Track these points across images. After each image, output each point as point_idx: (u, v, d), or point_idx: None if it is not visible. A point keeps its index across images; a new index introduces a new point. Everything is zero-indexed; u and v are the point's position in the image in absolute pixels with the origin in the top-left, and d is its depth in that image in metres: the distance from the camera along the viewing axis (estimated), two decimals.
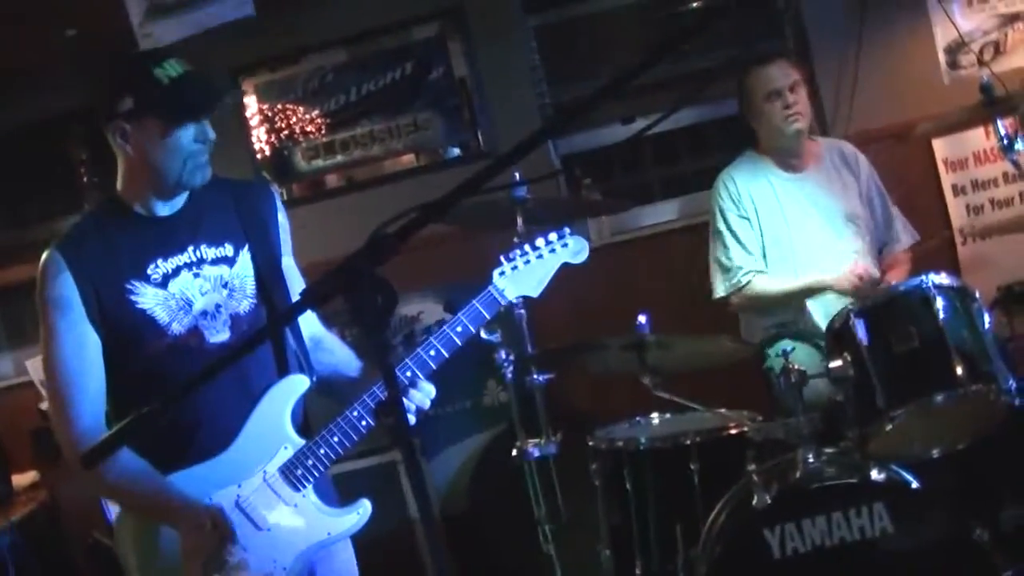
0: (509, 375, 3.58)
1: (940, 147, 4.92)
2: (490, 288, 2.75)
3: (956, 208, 4.93)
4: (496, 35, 5.18)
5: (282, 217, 2.80)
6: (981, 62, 4.85)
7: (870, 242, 3.98)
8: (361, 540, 2.75)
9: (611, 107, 4.90)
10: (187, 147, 2.54)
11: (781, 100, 3.88)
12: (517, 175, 3.44)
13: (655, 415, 3.75)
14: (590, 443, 3.65)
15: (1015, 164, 3.74)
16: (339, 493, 2.76)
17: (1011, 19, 4.90)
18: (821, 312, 3.79)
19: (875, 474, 3.04)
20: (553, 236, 2.87)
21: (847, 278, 3.69)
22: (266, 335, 2.58)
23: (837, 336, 3.15)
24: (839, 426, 3.20)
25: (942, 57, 4.95)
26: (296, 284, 2.77)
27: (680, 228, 5.05)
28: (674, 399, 3.43)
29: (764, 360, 3.57)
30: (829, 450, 3.19)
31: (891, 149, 4.62)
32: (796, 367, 3.08)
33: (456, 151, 5.31)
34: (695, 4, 5.23)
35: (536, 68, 5.25)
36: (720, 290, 3.97)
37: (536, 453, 3.64)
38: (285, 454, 2.61)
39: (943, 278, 3.11)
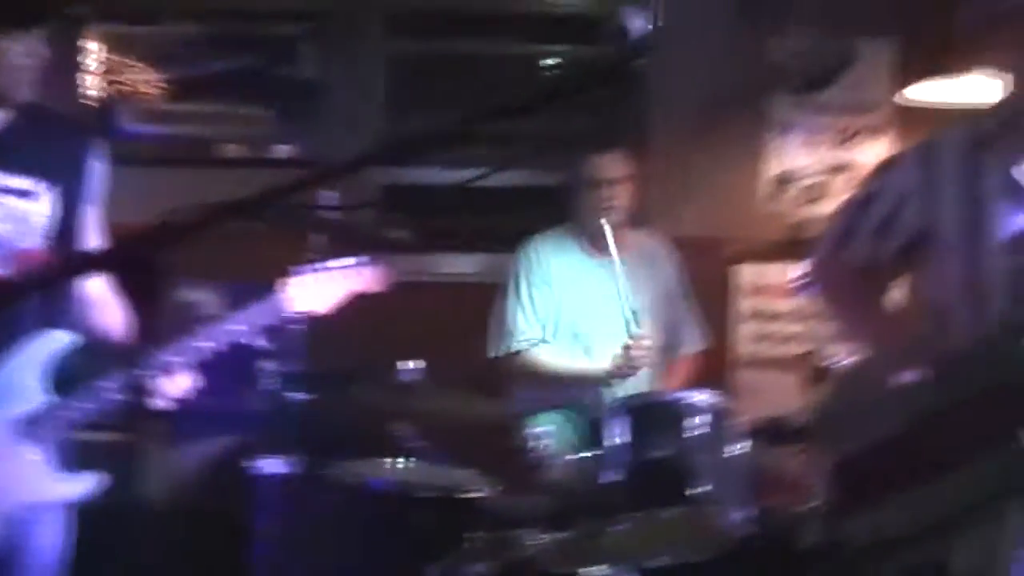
0: (268, 386, 3.60)
1: (746, 271, 5.14)
2: (276, 296, 2.76)
3: (744, 333, 5.16)
4: (353, 50, 5.19)
5: (98, 165, 2.75)
6: (803, 201, 5.15)
7: (661, 339, 4.12)
8: (86, 515, 2.72)
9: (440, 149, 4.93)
10: (14, 59, 2.48)
11: (602, 191, 4.03)
12: (334, 194, 3.47)
13: (401, 460, 3.74)
14: (321, 472, 3.65)
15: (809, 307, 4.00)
16: (77, 461, 2.70)
17: (840, 168, 5.22)
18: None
19: (592, 570, 3.11)
20: (351, 260, 2.91)
21: (627, 370, 3.81)
22: (47, 282, 2.55)
23: (595, 426, 3.26)
24: (577, 514, 3.30)
25: (769, 186, 5.19)
26: (91, 236, 2.73)
27: (483, 283, 5.12)
28: (427, 449, 3.50)
29: (523, 432, 3.67)
30: (561, 536, 3.26)
31: (700, 259, 4.81)
32: (545, 446, 3.21)
33: (285, 152, 5.27)
34: (557, 69, 5.38)
35: (385, 92, 5.26)
36: (498, 350, 4.06)
37: (267, 469, 3.65)
38: (26, 407, 2.56)
39: (707, 397, 3.27)
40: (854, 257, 2.47)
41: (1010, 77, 2.40)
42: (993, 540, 2.23)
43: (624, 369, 3.81)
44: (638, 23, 2.11)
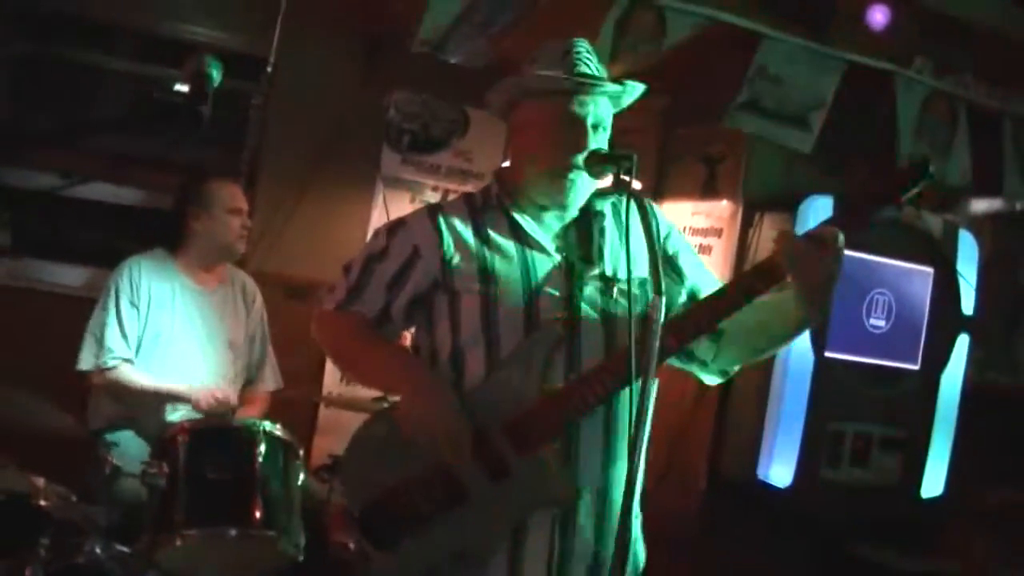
0: None
1: None
2: None
3: (331, 375, 5.56)
4: None
5: None
6: None
7: (240, 372, 4.45)
8: None
9: (52, 155, 4.95)
10: None
11: (242, 219, 4.35)
12: None
13: None
14: None
15: None
16: None
17: None
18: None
19: None
20: None
21: (206, 397, 4.09)
22: None
23: (164, 445, 3.48)
24: (140, 528, 3.46)
25: (370, 237, 5.58)
26: None
27: (78, 296, 5.15)
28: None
29: (96, 444, 3.82)
30: (121, 548, 3.47)
31: (298, 299, 5.14)
32: (112, 460, 3.44)
33: None
34: (181, 95, 5.55)
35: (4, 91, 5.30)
36: (86, 364, 4.18)
37: None
38: None
39: (276, 428, 3.57)
40: (368, 309, 2.72)
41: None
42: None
43: (207, 398, 4.10)
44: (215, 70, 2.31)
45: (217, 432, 3.63)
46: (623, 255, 2.66)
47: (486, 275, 2.68)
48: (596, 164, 2.62)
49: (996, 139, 5.10)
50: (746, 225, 5.00)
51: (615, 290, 2.69)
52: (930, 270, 4.89)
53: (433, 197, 5.75)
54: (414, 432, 2.58)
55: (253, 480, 3.48)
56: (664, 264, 2.69)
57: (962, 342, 4.96)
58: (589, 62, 2.73)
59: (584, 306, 2.67)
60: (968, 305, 4.93)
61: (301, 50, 5.20)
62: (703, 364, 2.80)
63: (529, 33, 4.19)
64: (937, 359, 4.91)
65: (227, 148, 5.51)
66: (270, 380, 4.57)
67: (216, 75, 2.26)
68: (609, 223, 2.78)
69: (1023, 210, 5.25)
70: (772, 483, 4.71)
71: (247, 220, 4.41)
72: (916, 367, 4.87)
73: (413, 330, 2.86)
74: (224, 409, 4.12)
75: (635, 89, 2.74)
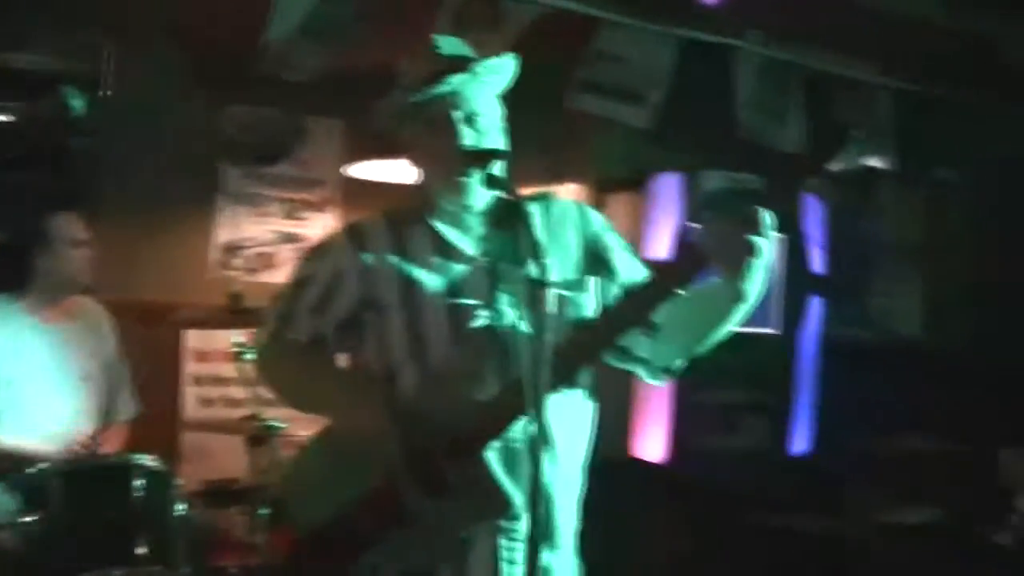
0: None
1: (191, 336, 5.43)
2: None
3: (191, 398, 5.44)
4: None
5: None
6: (251, 269, 5.54)
7: (97, 405, 4.28)
8: None
9: None
10: None
11: (84, 250, 4.21)
12: None
13: None
14: None
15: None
16: None
17: (288, 239, 5.67)
18: None
19: None
20: None
21: (69, 447, 3.95)
22: None
23: (35, 494, 3.39)
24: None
25: (215, 253, 5.54)
26: None
27: None
28: None
29: None
30: None
31: (149, 324, 4.97)
32: None
33: None
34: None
35: None
36: None
37: None
38: None
39: (148, 460, 3.52)
40: (298, 335, 2.72)
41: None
42: None
43: (75, 447, 3.98)
44: (76, 101, 2.27)
45: (88, 473, 3.53)
46: (552, 257, 2.65)
47: (408, 291, 2.67)
48: (467, 163, 2.61)
49: (829, 104, 5.27)
50: (596, 208, 5.05)
51: (543, 292, 2.66)
52: (779, 235, 5.01)
53: (276, 209, 5.68)
54: (352, 454, 2.59)
55: (132, 516, 3.42)
56: (597, 263, 2.71)
57: (816, 302, 5.11)
58: (452, 47, 2.70)
59: (511, 311, 2.65)
60: (819, 265, 5.08)
61: (135, 71, 5.07)
62: (645, 363, 2.77)
63: (368, 42, 4.17)
64: (794, 321, 5.05)
65: (62, 177, 5.32)
66: (130, 406, 4.45)
67: (78, 106, 2.20)
68: (538, 223, 2.75)
69: (860, 169, 5.43)
70: (646, 459, 4.79)
71: (89, 250, 4.27)
72: (775, 331, 5.00)
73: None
74: (90, 449, 4.00)
75: (498, 65, 2.72)
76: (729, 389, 4.91)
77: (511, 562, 2.62)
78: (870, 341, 5.60)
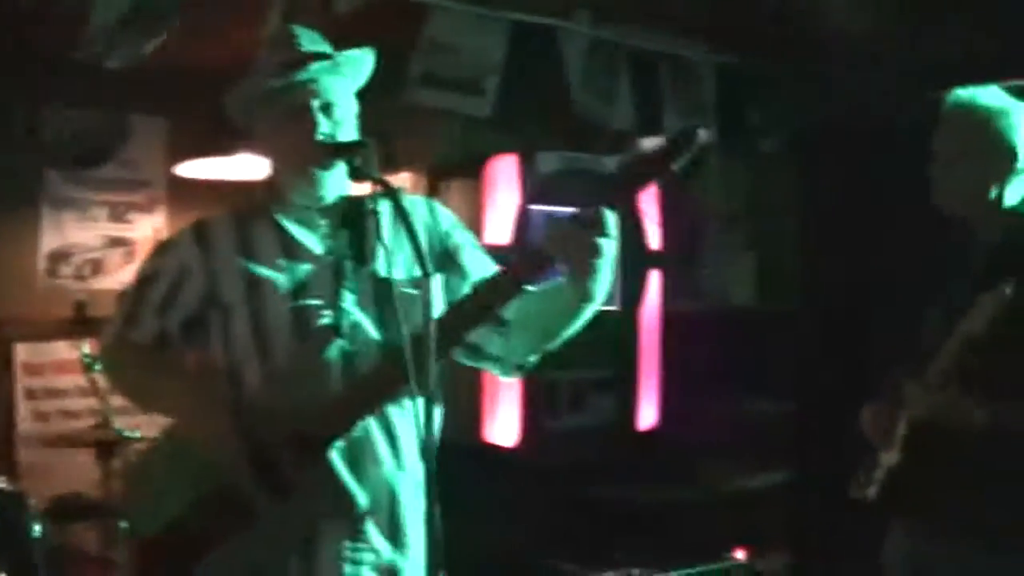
0: None
1: (22, 350, 5.25)
2: None
3: (25, 412, 5.27)
4: None
5: None
6: (82, 276, 5.39)
7: None
8: None
9: None
10: None
11: None
12: None
13: None
14: None
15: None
16: None
17: (116, 242, 5.53)
18: None
19: None
20: None
21: None
22: None
23: None
24: None
25: (42, 263, 5.37)
26: None
27: None
28: None
29: None
30: None
31: None
32: None
33: None
34: None
35: None
36: None
37: None
38: None
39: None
40: (143, 336, 2.71)
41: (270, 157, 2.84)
42: None
43: None
44: None
45: None
46: (399, 254, 2.67)
47: (251, 288, 2.67)
48: (327, 156, 2.60)
49: (655, 81, 5.40)
50: (432, 195, 5.07)
51: (390, 289, 2.67)
52: (615, 213, 5.08)
53: (102, 212, 5.54)
54: (195, 454, 2.57)
55: None
56: (446, 260, 2.74)
57: (653, 276, 5.22)
58: (309, 39, 2.70)
59: (355, 308, 2.66)
60: (654, 240, 5.20)
61: None
62: (497, 360, 2.79)
63: (192, 32, 4.11)
64: (633, 296, 5.15)
65: None
66: None
67: None
68: (386, 222, 2.75)
69: (687, 144, 5.56)
70: (498, 442, 4.83)
71: None
72: (615, 307, 5.08)
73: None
74: None
75: (357, 58, 2.73)
76: (574, 368, 4.98)
77: (356, 562, 2.64)
78: (708, 311, 5.76)
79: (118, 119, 5.57)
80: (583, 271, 2.47)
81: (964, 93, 3.22)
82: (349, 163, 2.54)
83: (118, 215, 5.58)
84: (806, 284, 5.99)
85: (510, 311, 2.65)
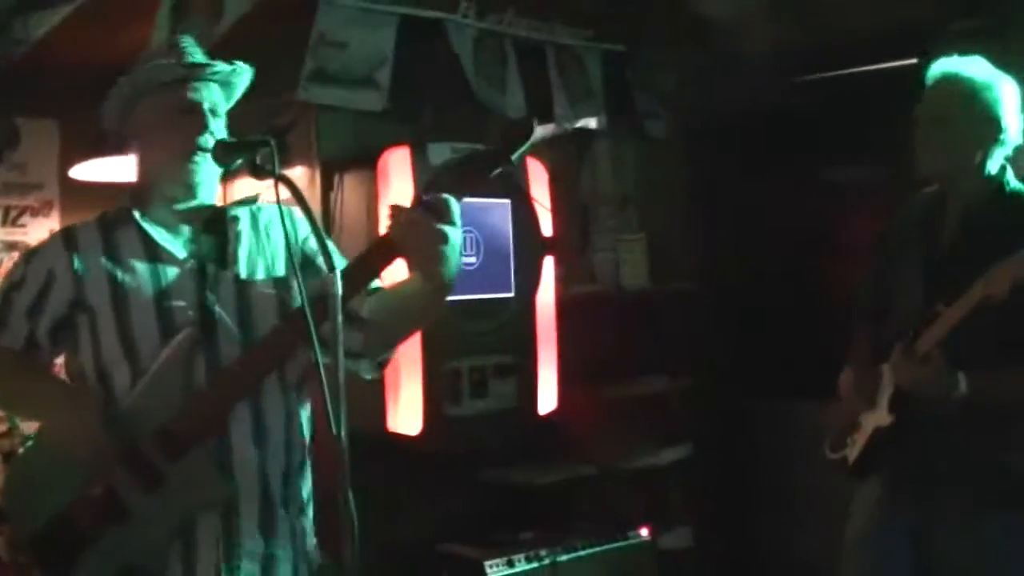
0: None
1: None
2: None
3: None
4: None
5: None
6: None
7: None
8: None
9: None
10: None
11: None
12: None
13: None
14: None
15: None
16: None
17: (11, 246, 5.46)
18: None
19: None
20: None
21: None
22: None
23: None
24: None
25: None
26: None
27: None
28: None
29: None
30: None
31: None
32: None
33: None
34: None
35: None
36: None
37: None
38: None
39: None
40: (14, 340, 2.80)
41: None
42: None
43: None
44: None
45: None
46: (258, 258, 2.78)
47: (117, 292, 2.77)
48: (228, 153, 2.68)
49: (543, 69, 5.50)
50: (327, 189, 5.10)
51: (250, 290, 2.78)
52: (508, 201, 5.16)
53: None
54: (68, 454, 2.66)
55: None
56: (305, 264, 2.85)
57: (548, 262, 5.30)
58: (196, 52, 2.83)
59: (217, 308, 2.77)
60: (547, 227, 5.28)
61: None
62: (357, 356, 2.85)
63: (78, 28, 4.11)
64: (529, 283, 5.22)
65: None
66: None
67: None
68: (245, 227, 2.86)
69: (574, 131, 5.69)
70: (403, 432, 4.88)
71: None
72: (511, 294, 5.15)
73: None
74: None
75: (244, 71, 2.84)
76: (475, 356, 5.05)
77: (233, 556, 2.75)
78: (603, 294, 5.88)
79: (6, 122, 5.50)
80: (430, 260, 2.60)
81: (950, 63, 3.40)
82: (250, 161, 2.62)
83: (11, 219, 5.52)
84: (697, 264, 6.15)
85: (365, 309, 2.76)
